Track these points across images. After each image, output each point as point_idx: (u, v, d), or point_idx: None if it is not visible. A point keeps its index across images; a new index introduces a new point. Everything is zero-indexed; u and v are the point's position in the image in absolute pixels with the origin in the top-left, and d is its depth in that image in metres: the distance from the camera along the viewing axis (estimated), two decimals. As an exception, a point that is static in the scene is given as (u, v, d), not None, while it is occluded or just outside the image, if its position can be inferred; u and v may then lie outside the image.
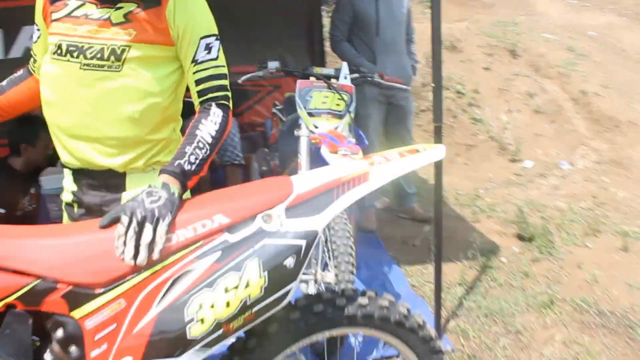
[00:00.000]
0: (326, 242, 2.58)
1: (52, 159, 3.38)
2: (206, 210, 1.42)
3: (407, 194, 4.33)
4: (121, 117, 1.59)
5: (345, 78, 3.04)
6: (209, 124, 1.55)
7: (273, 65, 3.03)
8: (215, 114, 1.57)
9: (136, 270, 1.34)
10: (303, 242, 1.43)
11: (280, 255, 1.41)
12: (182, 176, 1.47)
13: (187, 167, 1.48)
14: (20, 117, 3.31)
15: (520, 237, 4.01)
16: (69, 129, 1.62)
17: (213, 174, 4.55)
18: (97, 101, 1.57)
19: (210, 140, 1.53)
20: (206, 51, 1.60)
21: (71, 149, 1.65)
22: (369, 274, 3.49)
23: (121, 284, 1.34)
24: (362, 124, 4.05)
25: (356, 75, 3.16)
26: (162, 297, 1.37)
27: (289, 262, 1.42)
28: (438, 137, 2.68)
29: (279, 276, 1.41)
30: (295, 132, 2.92)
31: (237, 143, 4.03)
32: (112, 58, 1.55)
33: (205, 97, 1.60)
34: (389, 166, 1.56)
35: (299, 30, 5.13)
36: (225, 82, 1.64)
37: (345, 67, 3.08)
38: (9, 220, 3.08)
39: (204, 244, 1.40)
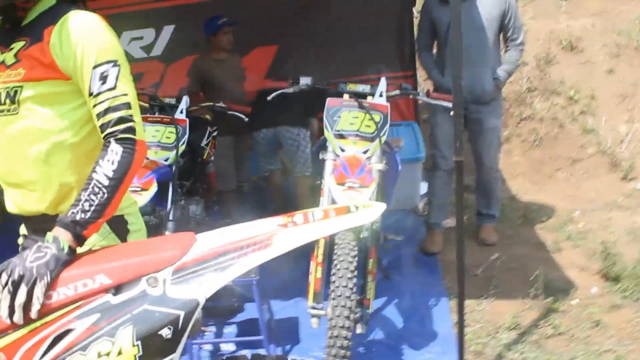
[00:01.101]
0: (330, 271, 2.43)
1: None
2: (90, 269, 1.36)
3: (483, 215, 3.98)
4: (30, 159, 1.56)
5: (381, 96, 2.83)
6: (105, 165, 1.45)
7: (305, 81, 2.90)
8: (113, 151, 1.46)
9: (15, 326, 1.32)
10: (181, 313, 1.31)
11: (156, 324, 1.31)
12: (75, 227, 1.41)
13: (80, 216, 1.41)
14: None
15: (605, 276, 3.50)
16: (0, 177, 1.65)
17: (284, 184, 4.56)
18: (7, 147, 1.56)
19: (106, 182, 1.43)
20: (101, 81, 1.47)
21: (8, 196, 1.67)
22: (411, 305, 3.25)
23: (1, 337, 1.33)
24: (432, 133, 3.82)
25: (396, 92, 2.92)
26: (43, 355, 1.34)
27: (165, 332, 1.31)
28: (459, 173, 2.38)
29: (154, 347, 1.31)
30: (320, 155, 2.78)
31: (307, 155, 3.99)
32: (8, 101, 1.51)
33: (104, 133, 1.49)
34: (299, 231, 1.38)
35: (389, 34, 4.95)
36: (128, 112, 1.49)
37: (382, 83, 2.86)
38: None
39: (83, 304, 1.34)
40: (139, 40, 5.32)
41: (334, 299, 2.27)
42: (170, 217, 3.10)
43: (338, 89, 2.86)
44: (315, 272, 2.55)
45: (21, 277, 1.30)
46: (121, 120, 1.48)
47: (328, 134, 2.75)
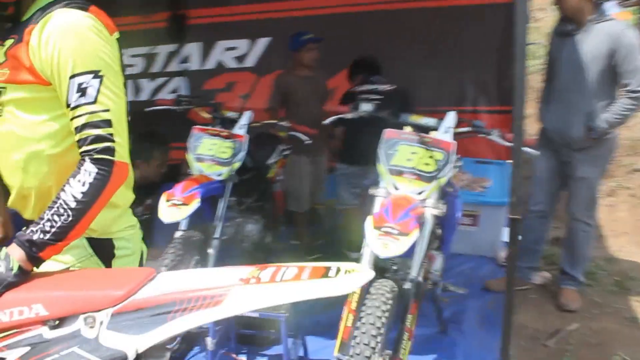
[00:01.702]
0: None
1: (167, 177, 3.55)
2: (30, 295, 1.24)
3: (566, 275, 3.52)
4: (12, 165, 1.47)
5: (446, 132, 2.54)
6: (75, 185, 1.32)
7: (365, 107, 2.67)
8: (86, 172, 1.33)
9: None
10: (107, 365, 1.15)
11: (79, 373, 1.16)
12: (30, 247, 1.29)
13: (38, 236, 1.30)
14: (141, 132, 3.57)
15: None
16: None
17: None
18: None
19: (73, 204, 1.31)
20: (79, 93, 1.34)
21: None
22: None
23: None
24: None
25: (466, 129, 2.62)
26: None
27: (88, 383, 1.15)
28: (513, 232, 2.04)
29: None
30: (370, 190, 2.54)
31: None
32: None
33: (80, 151, 1.36)
34: (256, 292, 1.17)
35: (491, 63, 4.61)
36: (107, 130, 1.35)
37: (450, 117, 2.57)
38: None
39: (17, 334, 1.22)
40: (232, 51, 5.38)
41: (352, 356, 2.02)
42: (216, 235, 2.98)
43: (400, 120, 2.61)
44: (346, 319, 2.31)
45: None
46: (98, 139, 1.35)
47: (381, 167, 2.50)
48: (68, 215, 1.31)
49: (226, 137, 3.09)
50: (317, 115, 4.05)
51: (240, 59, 5.38)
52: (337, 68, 4.58)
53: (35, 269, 1.33)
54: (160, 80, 5.68)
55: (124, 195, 1.60)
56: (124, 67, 1.52)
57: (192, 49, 5.51)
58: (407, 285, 2.33)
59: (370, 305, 2.11)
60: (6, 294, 1.25)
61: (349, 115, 2.72)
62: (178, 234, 2.89)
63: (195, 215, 2.94)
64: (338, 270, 1.20)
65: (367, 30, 4.75)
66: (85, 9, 1.41)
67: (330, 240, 4.32)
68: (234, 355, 2.92)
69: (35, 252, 1.30)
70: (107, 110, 1.37)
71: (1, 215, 1.66)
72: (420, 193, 2.43)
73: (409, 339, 2.28)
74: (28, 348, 1.20)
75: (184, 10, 5.37)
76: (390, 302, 2.14)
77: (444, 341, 3.09)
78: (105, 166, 1.35)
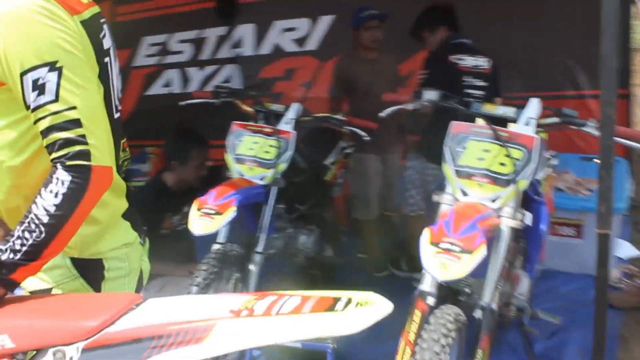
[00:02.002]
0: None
1: (207, 181, 3.59)
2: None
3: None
4: None
5: (527, 124, 2.40)
6: (47, 197, 1.31)
7: (429, 96, 2.57)
8: (58, 180, 1.31)
9: None
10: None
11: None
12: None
13: (7, 256, 1.30)
14: (178, 131, 3.63)
15: None
16: None
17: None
18: None
19: (46, 219, 1.30)
20: (36, 91, 1.30)
21: None
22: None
23: None
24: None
25: (553, 119, 2.46)
26: None
27: None
28: (602, 250, 1.89)
29: None
30: (434, 196, 2.44)
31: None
32: None
33: (51, 158, 1.34)
34: (245, 328, 1.12)
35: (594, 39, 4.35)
36: (77, 131, 1.31)
37: (532, 105, 2.43)
38: (152, 238, 3.40)
39: (-19, 369, 1.25)
40: (291, 32, 5.40)
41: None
42: (259, 249, 2.98)
43: (471, 110, 2.49)
44: (403, 353, 2.23)
45: None
46: (68, 143, 1.32)
47: (447, 168, 2.40)
48: (40, 232, 1.31)
49: (270, 134, 3.07)
50: (384, 105, 3.97)
51: (300, 41, 5.39)
52: (410, 50, 4.49)
53: (10, 293, 1.35)
54: (211, 68, 5.79)
55: (111, 206, 1.58)
56: (102, 51, 1.49)
57: (245, 32, 5.58)
58: (478, 314, 2.23)
59: (427, 338, 2.02)
60: None
61: (409, 106, 2.63)
62: (215, 248, 2.90)
63: (235, 225, 2.97)
64: (349, 301, 1.14)
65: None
66: None
67: (404, 254, 4.23)
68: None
69: (5, 275, 1.31)
70: (73, 108, 1.33)
71: None
72: (494, 200, 2.32)
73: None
74: (-8, 384, 1.23)
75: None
76: (452, 333, 2.04)
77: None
78: (81, 173, 1.32)
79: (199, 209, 2.74)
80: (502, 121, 2.46)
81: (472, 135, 2.41)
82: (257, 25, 5.51)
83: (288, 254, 3.49)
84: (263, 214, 3.05)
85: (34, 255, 1.32)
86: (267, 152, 3.06)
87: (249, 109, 3.26)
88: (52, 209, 1.31)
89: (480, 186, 2.34)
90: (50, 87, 1.31)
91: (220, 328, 1.13)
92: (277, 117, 3.20)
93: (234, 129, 3.17)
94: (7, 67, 1.32)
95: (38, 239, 1.31)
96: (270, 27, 5.44)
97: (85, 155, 1.33)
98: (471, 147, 2.39)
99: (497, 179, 2.33)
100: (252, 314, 1.14)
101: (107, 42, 1.54)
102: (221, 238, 2.98)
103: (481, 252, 2.00)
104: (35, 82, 1.31)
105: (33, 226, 1.31)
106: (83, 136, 1.33)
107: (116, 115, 1.59)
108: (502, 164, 2.34)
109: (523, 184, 2.32)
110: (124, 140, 1.69)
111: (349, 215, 4.29)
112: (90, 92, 1.39)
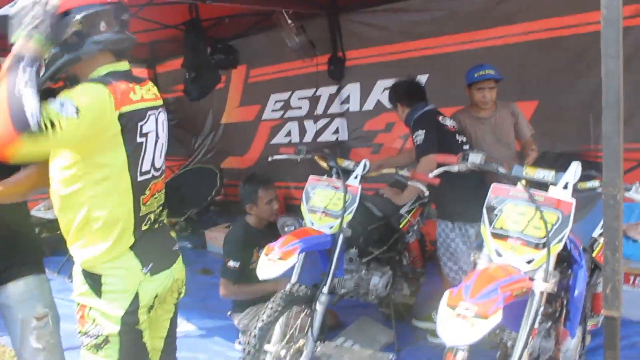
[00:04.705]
0: None
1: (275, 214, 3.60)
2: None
3: None
4: None
5: (566, 188, 2.10)
6: None
7: (474, 159, 2.31)
8: None
9: None
10: None
11: None
12: None
13: None
14: (245, 179, 3.66)
15: None
16: None
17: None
18: None
19: None
20: None
21: None
22: None
23: None
24: None
25: (593, 183, 2.14)
26: None
27: None
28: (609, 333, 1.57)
29: None
30: (472, 256, 2.20)
31: None
32: None
33: None
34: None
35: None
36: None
37: (572, 169, 2.12)
38: (248, 271, 3.40)
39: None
40: (392, 90, 5.26)
41: None
42: (324, 290, 2.84)
43: (512, 174, 2.22)
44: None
45: None
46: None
47: (484, 230, 2.15)
48: None
49: (339, 188, 2.96)
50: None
51: (399, 98, 5.25)
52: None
53: None
54: (323, 121, 5.79)
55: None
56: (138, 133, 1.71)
57: (352, 90, 5.53)
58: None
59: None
60: None
61: (454, 169, 2.40)
62: (286, 288, 2.82)
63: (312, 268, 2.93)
64: None
65: (532, 63, 4.30)
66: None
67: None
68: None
69: None
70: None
71: None
72: (529, 262, 2.04)
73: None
74: None
75: (342, 51, 5.43)
76: None
77: None
78: None
79: (266, 255, 2.67)
80: (544, 185, 2.17)
81: (509, 199, 2.15)
82: (361, 84, 5.44)
83: (361, 293, 3.32)
84: (330, 259, 2.92)
85: None
86: (335, 204, 2.94)
87: (324, 164, 3.17)
88: None
89: (514, 250, 2.07)
90: None
91: None
92: (348, 172, 3.07)
93: (310, 183, 3.09)
94: None
95: None
96: (374, 86, 5.35)
97: None
98: (507, 210, 2.13)
99: (529, 242, 2.05)
100: None
101: (148, 127, 1.75)
102: (294, 279, 2.90)
103: (496, 318, 1.75)
104: None
105: None
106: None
107: (139, 178, 1.75)
108: (537, 228, 2.06)
109: (557, 247, 2.02)
110: (144, 196, 1.80)
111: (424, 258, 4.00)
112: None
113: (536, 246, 2.04)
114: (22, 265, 2.22)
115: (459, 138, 3.48)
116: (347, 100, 5.58)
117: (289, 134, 6.15)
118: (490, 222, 2.15)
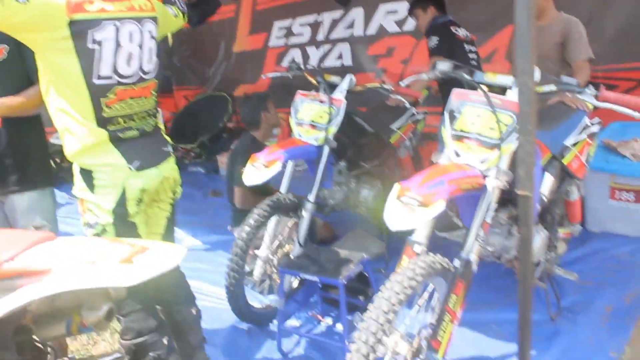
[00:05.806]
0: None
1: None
2: None
3: None
4: None
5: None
6: None
7: (442, 66, 2.41)
8: None
9: None
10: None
11: None
12: None
13: None
14: (245, 100, 3.84)
15: None
16: None
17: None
18: None
19: None
20: None
21: None
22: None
23: None
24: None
25: (549, 87, 2.22)
26: None
27: None
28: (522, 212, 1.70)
29: None
30: (433, 157, 2.34)
31: None
32: None
33: None
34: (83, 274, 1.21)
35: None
36: None
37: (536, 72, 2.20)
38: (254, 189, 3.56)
39: None
40: (393, 14, 5.28)
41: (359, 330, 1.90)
42: (310, 199, 3.01)
43: (474, 79, 2.31)
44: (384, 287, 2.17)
45: None
46: None
47: (444, 132, 2.27)
48: None
49: (324, 102, 3.09)
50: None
51: (399, 23, 5.25)
52: (497, 27, 4.27)
53: None
54: (326, 47, 5.83)
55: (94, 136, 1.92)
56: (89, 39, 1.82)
57: (355, 15, 5.54)
58: (456, 263, 2.12)
59: (393, 279, 1.96)
60: None
61: (423, 77, 2.50)
62: (273, 197, 2.98)
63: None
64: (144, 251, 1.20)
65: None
66: None
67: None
68: (319, 317, 2.98)
69: None
70: None
71: None
72: (482, 162, 2.17)
73: (451, 321, 2.08)
74: None
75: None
76: (418, 278, 1.96)
77: (547, 331, 2.73)
78: None
79: (252, 163, 2.83)
80: (503, 90, 2.27)
81: (468, 102, 2.26)
82: (364, 8, 5.45)
83: (351, 206, 3.49)
84: (316, 169, 3.08)
85: None
86: (321, 117, 3.08)
87: (314, 80, 3.30)
88: None
89: (470, 149, 2.20)
90: None
91: (55, 273, 1.23)
92: (334, 87, 3.20)
93: (298, 98, 3.22)
94: None
95: None
96: (376, 10, 5.35)
97: None
98: (466, 113, 2.25)
99: (485, 142, 2.17)
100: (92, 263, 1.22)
101: (102, 35, 1.84)
102: (282, 189, 3.08)
103: (438, 207, 1.89)
104: None
105: None
106: None
107: (97, 82, 1.87)
108: (492, 129, 2.17)
109: (509, 148, 2.14)
110: (106, 99, 1.92)
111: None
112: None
113: (491, 147, 2.16)
114: (31, 180, 2.41)
115: (467, 47, 3.98)
116: (351, 25, 5.60)
117: (292, 61, 6.21)
118: (451, 125, 2.27)
